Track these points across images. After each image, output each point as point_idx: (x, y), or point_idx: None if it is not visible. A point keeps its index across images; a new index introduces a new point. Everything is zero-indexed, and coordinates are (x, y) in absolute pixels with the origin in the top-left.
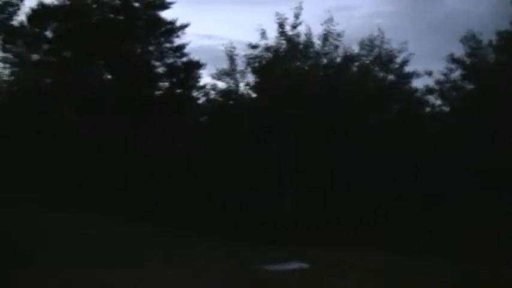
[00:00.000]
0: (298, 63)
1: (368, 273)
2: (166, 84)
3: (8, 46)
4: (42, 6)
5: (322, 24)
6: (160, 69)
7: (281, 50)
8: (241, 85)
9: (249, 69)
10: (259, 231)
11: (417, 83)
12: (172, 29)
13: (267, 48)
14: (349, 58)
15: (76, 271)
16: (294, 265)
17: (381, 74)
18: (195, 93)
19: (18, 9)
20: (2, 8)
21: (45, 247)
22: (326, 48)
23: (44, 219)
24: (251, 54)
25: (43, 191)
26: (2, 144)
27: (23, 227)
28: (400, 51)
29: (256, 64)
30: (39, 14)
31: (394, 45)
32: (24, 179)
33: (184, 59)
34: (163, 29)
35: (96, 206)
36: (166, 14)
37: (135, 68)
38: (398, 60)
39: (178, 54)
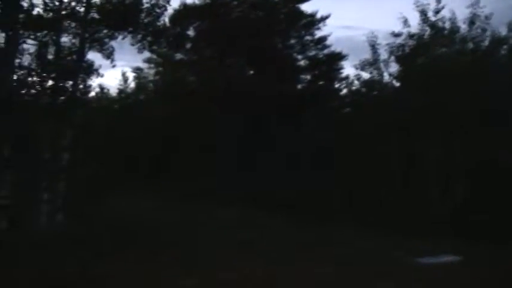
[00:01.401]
0: (443, 50)
1: None
2: (308, 77)
3: (153, 47)
4: (184, 6)
5: (467, 8)
6: (302, 62)
7: (425, 36)
8: (385, 75)
9: (393, 58)
10: (404, 224)
11: None
12: (312, 21)
13: (410, 36)
14: (497, 41)
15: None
16: (446, 258)
17: None
18: (337, 85)
19: (165, 10)
20: (150, 10)
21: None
22: (473, 32)
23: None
24: (394, 42)
25: (183, 185)
26: (149, 141)
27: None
28: None
29: (400, 53)
30: (181, 14)
31: None
32: (167, 173)
33: (326, 51)
34: (304, 21)
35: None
36: (306, 7)
37: (277, 62)
38: None
39: (319, 46)
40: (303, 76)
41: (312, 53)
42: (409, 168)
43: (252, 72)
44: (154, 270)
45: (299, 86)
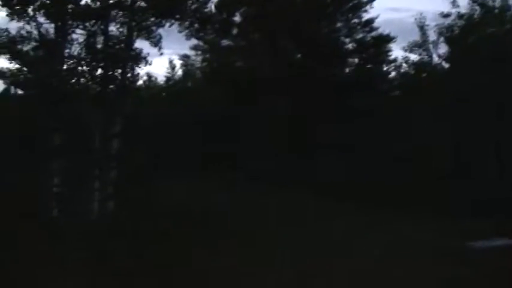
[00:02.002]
0: (494, 29)
1: None
2: (356, 60)
3: (200, 34)
4: None
5: None
6: (350, 45)
7: (474, 16)
8: (435, 56)
9: (442, 40)
10: (461, 205)
11: None
12: (359, 4)
13: (460, 16)
14: None
15: None
16: (499, 241)
17: None
18: (385, 68)
19: None
20: None
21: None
22: None
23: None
24: (443, 23)
25: (242, 171)
26: (200, 128)
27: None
28: None
29: (449, 34)
30: (227, 0)
31: None
32: (222, 160)
33: (373, 34)
34: (351, 4)
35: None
36: None
37: (324, 46)
38: None
39: (367, 29)
40: (350, 59)
41: (360, 35)
42: (462, 150)
43: (299, 56)
44: (205, 258)
45: (347, 70)
